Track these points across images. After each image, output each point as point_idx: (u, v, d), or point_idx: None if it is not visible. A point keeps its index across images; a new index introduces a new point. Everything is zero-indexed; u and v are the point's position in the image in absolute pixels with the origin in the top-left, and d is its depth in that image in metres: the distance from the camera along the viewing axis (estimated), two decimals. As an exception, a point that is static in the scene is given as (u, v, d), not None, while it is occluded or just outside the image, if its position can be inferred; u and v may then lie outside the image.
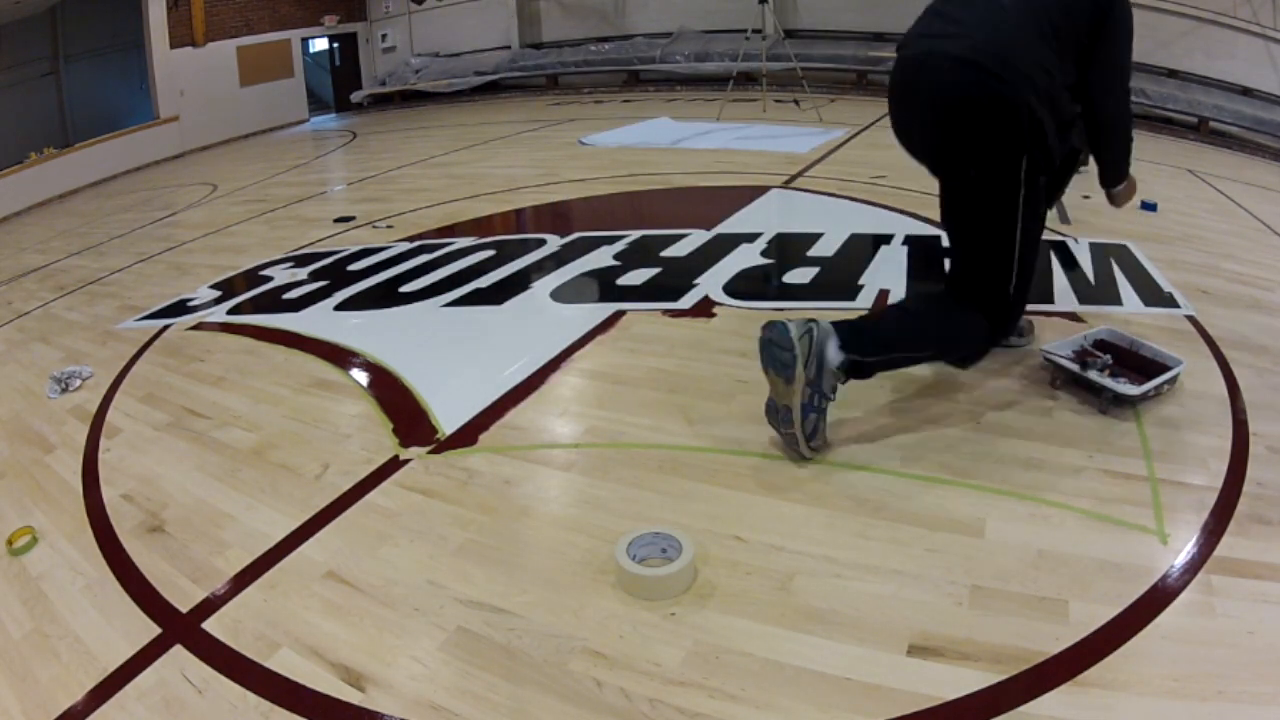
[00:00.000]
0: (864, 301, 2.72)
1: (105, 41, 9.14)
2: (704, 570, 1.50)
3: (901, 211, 3.80)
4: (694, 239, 3.56)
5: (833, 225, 3.59)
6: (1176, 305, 2.63)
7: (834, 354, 1.75)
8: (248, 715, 1.27)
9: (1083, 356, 2.05)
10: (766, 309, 2.74)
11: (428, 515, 1.75)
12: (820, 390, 1.76)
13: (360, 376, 2.52)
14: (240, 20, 10.39)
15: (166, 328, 3.16)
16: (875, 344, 1.82)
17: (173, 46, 9.51)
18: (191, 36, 9.75)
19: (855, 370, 1.81)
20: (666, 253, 3.42)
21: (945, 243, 2.12)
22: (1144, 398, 1.94)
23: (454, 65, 11.57)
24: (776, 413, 1.80)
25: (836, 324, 1.78)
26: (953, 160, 1.86)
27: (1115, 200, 2.14)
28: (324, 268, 3.71)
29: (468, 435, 2.07)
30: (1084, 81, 1.83)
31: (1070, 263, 3.07)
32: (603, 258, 3.42)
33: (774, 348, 1.74)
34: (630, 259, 3.39)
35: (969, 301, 1.90)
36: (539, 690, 1.27)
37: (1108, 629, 1.30)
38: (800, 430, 1.77)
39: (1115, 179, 2.06)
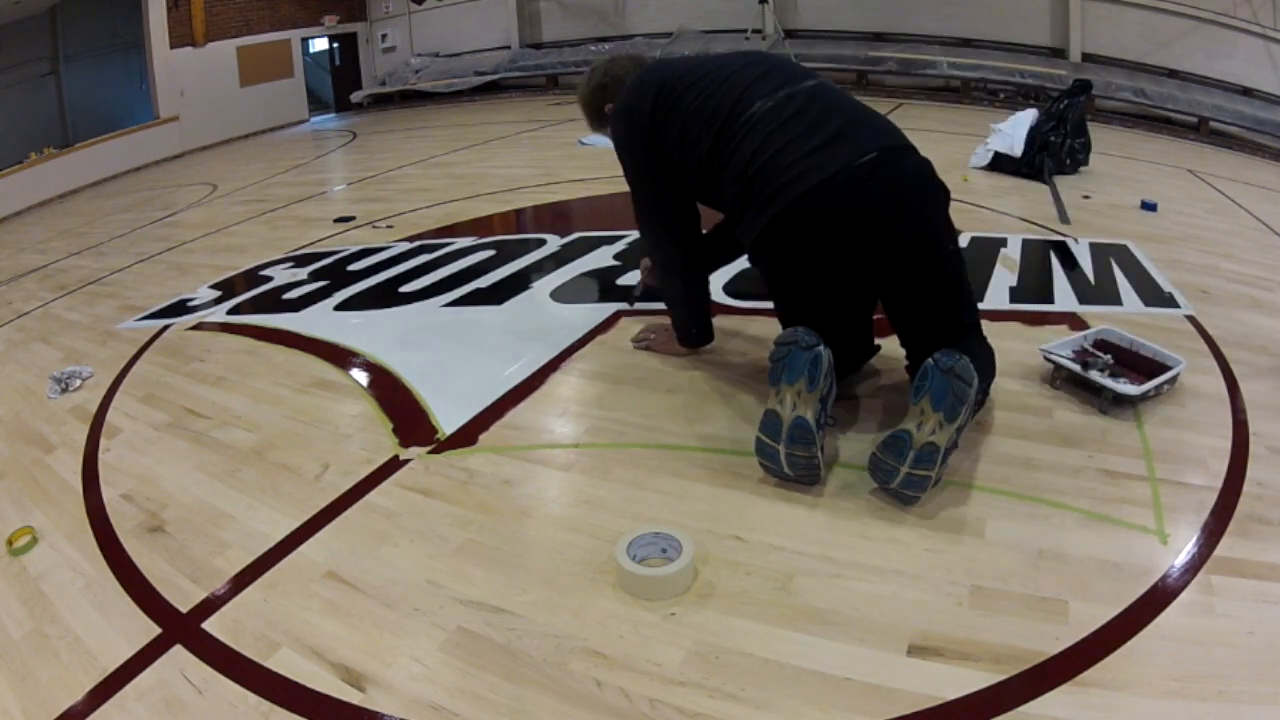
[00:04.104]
0: (864, 301, 2.72)
1: (105, 41, 9.13)
2: (704, 570, 1.50)
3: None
4: (694, 239, 3.55)
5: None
6: (1176, 305, 2.63)
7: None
8: (248, 715, 1.27)
9: (1083, 356, 2.05)
10: (767, 308, 2.74)
11: (428, 515, 1.75)
12: (960, 435, 1.64)
13: (360, 376, 2.52)
14: (240, 20, 10.39)
15: (166, 328, 3.16)
16: (983, 373, 1.75)
17: (173, 46, 9.50)
18: (191, 36, 9.74)
19: None
20: (666, 253, 3.42)
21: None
22: (1144, 397, 1.94)
23: (454, 65, 11.56)
24: (904, 449, 1.57)
25: None
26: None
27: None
28: (324, 268, 3.71)
29: (468, 435, 2.07)
30: None
31: (1070, 263, 3.07)
32: (603, 258, 3.42)
33: (954, 380, 1.55)
34: (630, 259, 3.38)
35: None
36: (539, 690, 1.27)
37: (1108, 629, 1.30)
38: (936, 474, 1.58)
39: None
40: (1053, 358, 2.06)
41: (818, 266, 1.78)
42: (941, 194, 1.78)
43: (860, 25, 9.36)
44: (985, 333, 1.92)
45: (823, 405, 1.70)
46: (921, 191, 1.75)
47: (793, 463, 1.68)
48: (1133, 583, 1.40)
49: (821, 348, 1.68)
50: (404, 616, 1.46)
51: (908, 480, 1.59)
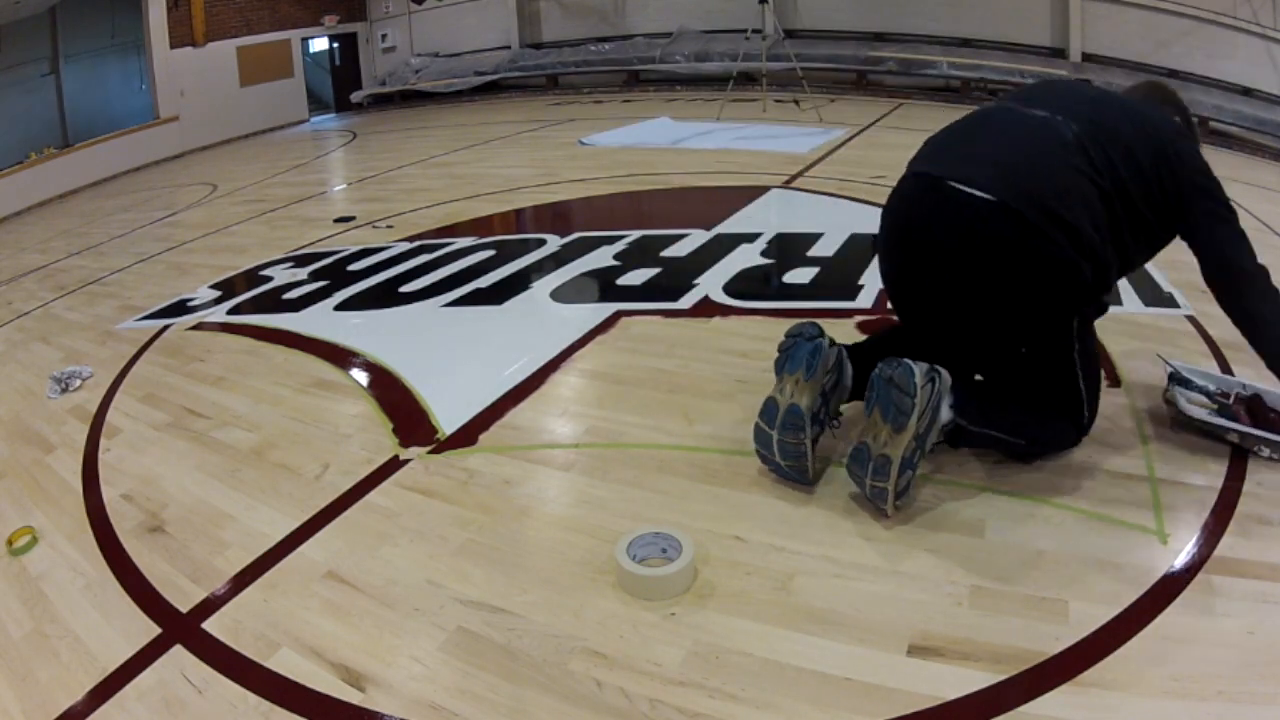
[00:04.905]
0: (864, 301, 2.72)
1: (105, 41, 9.13)
2: (704, 570, 1.50)
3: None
4: (694, 239, 3.56)
5: (833, 225, 3.59)
6: (1176, 305, 2.63)
7: (946, 412, 1.59)
8: (248, 715, 1.27)
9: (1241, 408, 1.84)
10: (767, 308, 2.74)
11: (428, 515, 1.75)
12: (923, 447, 1.58)
13: (360, 376, 2.52)
14: (240, 20, 10.38)
15: (166, 328, 3.16)
16: (979, 414, 1.66)
17: (173, 46, 9.50)
18: (191, 36, 9.74)
19: (952, 435, 1.65)
20: (666, 253, 3.42)
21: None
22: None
23: (454, 65, 11.56)
24: (865, 460, 1.58)
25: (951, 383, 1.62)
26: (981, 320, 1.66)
27: None
28: (324, 268, 3.71)
29: (468, 435, 2.07)
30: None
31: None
32: (603, 258, 3.42)
33: (893, 389, 1.54)
34: (630, 259, 3.39)
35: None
36: (539, 690, 1.27)
37: (1108, 629, 1.30)
38: (894, 486, 1.56)
39: None
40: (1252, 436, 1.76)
41: (883, 249, 1.79)
42: (996, 272, 1.58)
43: (860, 25, 9.35)
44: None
45: (824, 399, 1.70)
46: (956, 253, 1.59)
47: (783, 449, 1.68)
48: (1133, 583, 1.39)
49: (824, 340, 1.70)
50: (404, 616, 1.46)
51: (871, 492, 1.60)
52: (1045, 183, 1.55)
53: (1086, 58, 8.26)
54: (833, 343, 1.73)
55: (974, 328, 1.68)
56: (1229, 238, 1.69)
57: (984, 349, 1.72)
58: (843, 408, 1.80)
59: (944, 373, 1.60)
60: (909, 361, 1.56)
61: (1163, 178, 1.60)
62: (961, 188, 1.57)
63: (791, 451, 1.68)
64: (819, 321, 1.76)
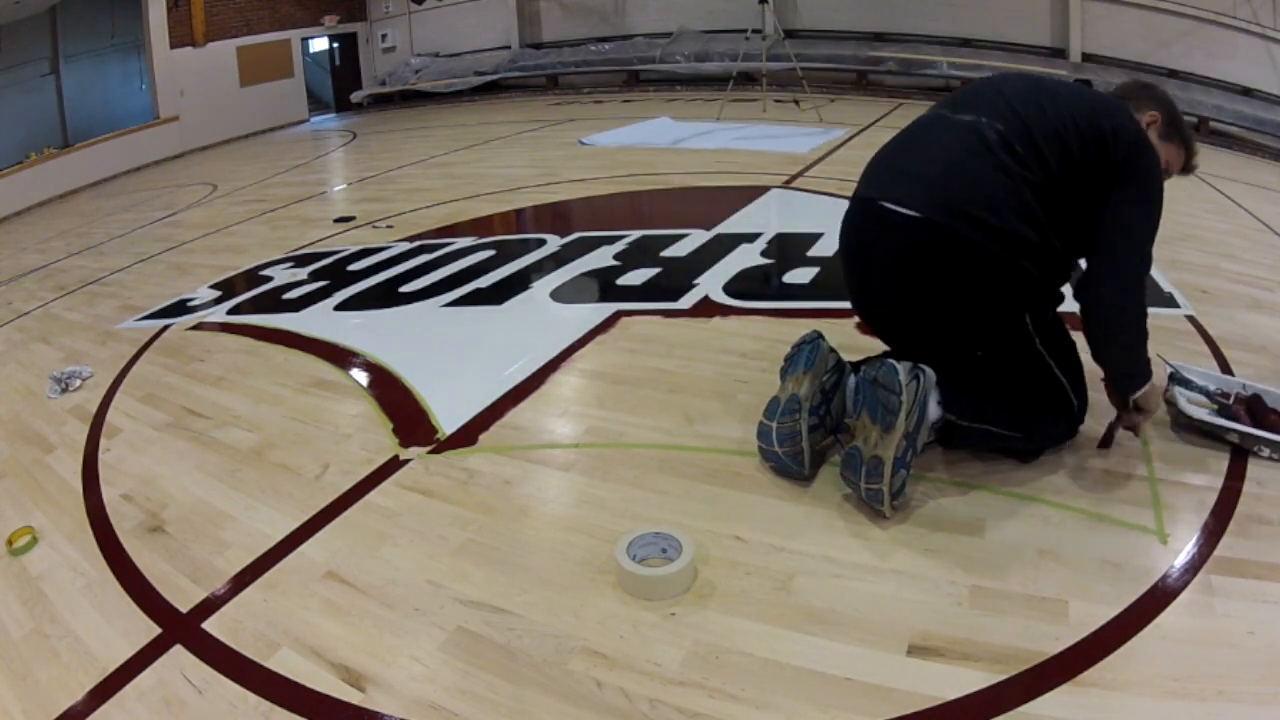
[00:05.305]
0: (864, 301, 2.72)
1: (105, 41, 9.13)
2: (704, 570, 1.50)
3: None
4: (694, 239, 3.56)
5: (833, 225, 3.56)
6: (1176, 305, 2.63)
7: (934, 409, 1.61)
8: (248, 715, 1.27)
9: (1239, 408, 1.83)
10: (767, 309, 2.74)
11: (428, 515, 1.75)
12: (914, 445, 1.58)
13: (360, 376, 2.52)
14: (240, 20, 10.39)
15: (166, 328, 3.16)
16: (971, 410, 1.66)
17: (173, 46, 9.51)
18: (191, 36, 9.75)
19: (944, 433, 1.66)
20: (666, 253, 3.42)
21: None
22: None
23: (454, 65, 11.56)
24: (858, 465, 1.58)
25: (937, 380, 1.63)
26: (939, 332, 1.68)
27: (1133, 418, 1.72)
28: (324, 268, 3.71)
29: (468, 435, 2.07)
30: (1075, 249, 1.64)
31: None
32: (603, 258, 3.42)
33: (879, 389, 1.56)
34: (630, 259, 3.39)
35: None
36: (539, 690, 1.27)
37: (1108, 629, 1.30)
38: (889, 486, 1.55)
39: (1126, 388, 1.68)
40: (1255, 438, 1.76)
41: (843, 273, 1.84)
42: (934, 286, 1.61)
43: (860, 25, 9.36)
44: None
45: (824, 397, 1.73)
46: (897, 270, 1.65)
47: (780, 435, 1.70)
48: (1133, 583, 1.40)
49: (823, 342, 1.76)
50: (404, 616, 1.46)
51: (866, 494, 1.60)
52: (970, 190, 1.57)
53: (1086, 58, 8.27)
54: (834, 351, 1.78)
55: (931, 336, 1.71)
56: (1135, 249, 1.62)
57: (948, 355, 1.73)
58: (846, 420, 1.80)
59: (928, 370, 1.62)
60: (892, 361, 1.58)
61: (1090, 158, 1.58)
62: (892, 207, 1.62)
63: (788, 436, 1.69)
64: (819, 325, 1.79)
